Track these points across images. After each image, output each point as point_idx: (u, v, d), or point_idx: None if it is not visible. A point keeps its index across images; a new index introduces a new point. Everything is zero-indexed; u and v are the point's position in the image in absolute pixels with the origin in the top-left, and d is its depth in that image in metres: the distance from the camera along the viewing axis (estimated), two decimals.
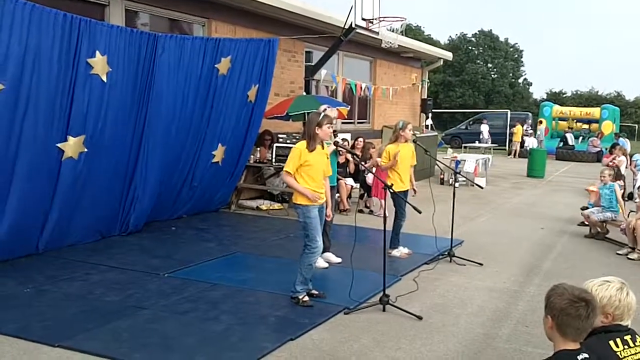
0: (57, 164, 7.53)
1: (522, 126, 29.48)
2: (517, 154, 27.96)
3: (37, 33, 6.85)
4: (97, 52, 7.62)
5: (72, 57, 7.34)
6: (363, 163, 9.74)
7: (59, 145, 7.47)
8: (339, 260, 7.69)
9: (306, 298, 6.09)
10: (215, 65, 9.49)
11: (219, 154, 10.25)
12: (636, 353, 3.03)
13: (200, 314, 5.74)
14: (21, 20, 6.66)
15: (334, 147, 6.98)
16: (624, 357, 2.99)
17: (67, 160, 7.59)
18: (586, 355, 2.76)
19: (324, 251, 7.60)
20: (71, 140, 7.59)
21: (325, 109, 7.06)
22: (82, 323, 5.37)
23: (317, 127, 6.10)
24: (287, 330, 5.40)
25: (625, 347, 3.02)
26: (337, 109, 12.01)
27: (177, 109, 9.06)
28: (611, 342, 3.01)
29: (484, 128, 29.56)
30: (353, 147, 12.75)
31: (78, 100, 7.54)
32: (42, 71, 6.99)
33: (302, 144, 6.11)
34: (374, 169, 11.02)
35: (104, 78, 7.79)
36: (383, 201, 10.15)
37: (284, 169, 6.14)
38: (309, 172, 6.08)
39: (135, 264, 7.40)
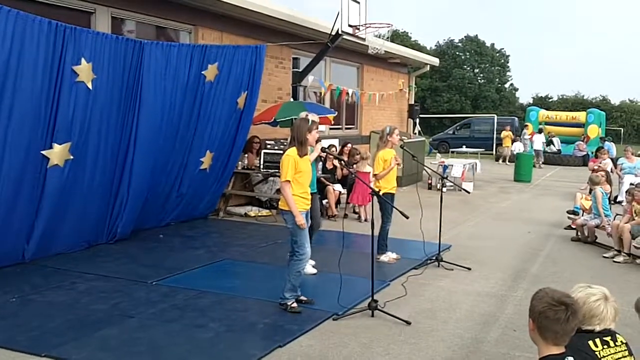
0: (43, 172, 7.49)
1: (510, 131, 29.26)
2: (507, 159, 27.86)
3: (21, 40, 6.81)
4: (83, 59, 7.59)
5: (57, 65, 7.31)
6: (349, 168, 9.79)
7: (44, 152, 7.43)
8: (314, 271, 7.59)
9: (294, 304, 6.08)
10: (202, 72, 9.47)
11: (207, 160, 10.23)
12: (615, 353, 3.07)
13: (188, 321, 5.71)
14: (5, 27, 6.62)
15: (318, 154, 6.95)
16: (603, 356, 3.03)
17: (52, 167, 7.56)
18: (571, 359, 2.78)
19: None
20: (57, 147, 7.55)
21: (307, 115, 7.04)
22: (69, 332, 5.34)
23: (307, 133, 6.10)
24: (276, 337, 5.39)
25: (605, 347, 3.06)
26: (325, 115, 12.09)
27: (164, 116, 9.03)
28: (590, 342, 3.05)
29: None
30: (341, 152, 12.79)
31: (63, 107, 7.51)
32: (26, 78, 6.94)
33: (293, 150, 6.07)
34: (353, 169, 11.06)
35: (90, 85, 7.76)
36: (370, 206, 10.16)
37: (282, 178, 6.03)
38: (299, 179, 6.06)
39: (122, 272, 7.36)
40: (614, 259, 8.85)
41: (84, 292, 6.53)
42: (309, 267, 7.36)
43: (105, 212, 8.66)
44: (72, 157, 7.76)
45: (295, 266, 6.08)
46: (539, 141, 26.50)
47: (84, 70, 7.65)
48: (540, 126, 29.65)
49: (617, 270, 8.30)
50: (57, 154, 7.58)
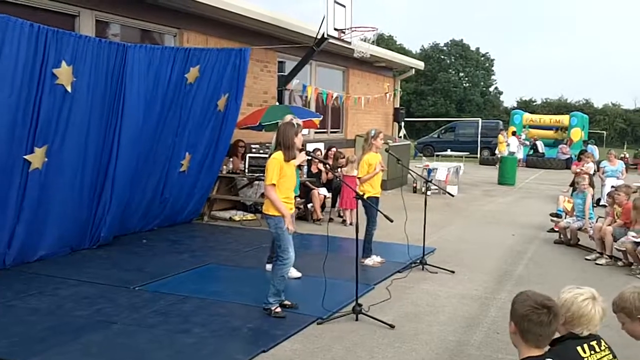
0: (24, 176, 7.42)
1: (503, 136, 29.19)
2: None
3: (0, 43, 6.75)
4: (63, 62, 7.53)
5: (38, 68, 7.24)
6: (334, 172, 9.80)
7: (26, 157, 7.37)
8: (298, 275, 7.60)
9: (278, 309, 6.06)
10: (185, 75, 9.44)
11: (185, 162, 10.19)
12: (602, 358, 3.09)
13: (171, 327, 5.68)
14: None
15: (304, 158, 6.93)
16: None
17: (33, 171, 7.50)
18: None
19: (269, 261, 7.58)
20: (37, 151, 7.49)
21: (292, 119, 7.04)
22: (51, 338, 5.28)
23: (294, 137, 6.09)
24: (260, 341, 5.37)
25: (592, 352, 3.08)
26: (310, 119, 12.10)
27: (147, 120, 8.96)
28: (579, 348, 3.07)
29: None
30: (326, 156, 12.79)
31: (44, 111, 7.45)
32: (6, 81, 6.88)
33: (279, 154, 6.05)
34: (340, 173, 11.06)
35: (69, 88, 7.69)
36: (355, 210, 10.17)
37: (267, 182, 6.00)
38: (283, 183, 6.05)
39: (105, 277, 7.31)
40: (597, 262, 8.91)
41: (67, 297, 6.48)
42: (293, 271, 7.36)
43: (88, 217, 8.59)
44: (46, 159, 7.67)
45: (279, 271, 6.06)
46: (513, 144, 26.61)
47: (64, 73, 7.58)
48: (524, 130, 29.77)
49: (600, 273, 8.36)
50: (38, 157, 7.52)
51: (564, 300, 3.16)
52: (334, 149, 12.90)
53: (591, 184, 11.92)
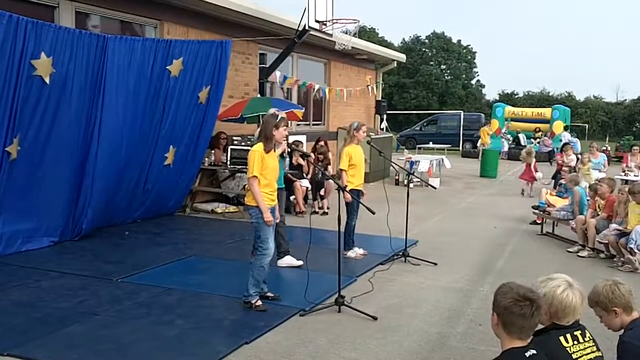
0: (5, 168, 7.37)
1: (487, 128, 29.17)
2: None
3: None
4: (43, 54, 7.46)
5: (17, 60, 7.17)
6: (321, 167, 9.78)
7: (7, 149, 7.30)
8: (299, 263, 7.62)
9: (259, 302, 6.05)
10: (167, 67, 9.38)
11: (170, 156, 10.14)
12: (585, 348, 3.11)
13: (154, 318, 5.68)
14: None
15: (283, 149, 6.92)
16: (574, 352, 3.06)
17: (12, 162, 7.44)
18: (534, 352, 2.81)
19: (284, 255, 7.61)
20: (15, 141, 7.43)
21: (274, 112, 7.04)
22: (33, 330, 5.26)
23: (274, 129, 6.09)
24: (242, 333, 5.38)
25: (575, 342, 3.09)
26: (292, 111, 12.08)
27: (128, 112, 8.91)
28: (561, 338, 3.09)
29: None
30: (314, 149, 12.72)
31: (22, 103, 7.38)
32: None
33: (259, 146, 6.05)
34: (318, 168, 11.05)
35: (47, 79, 7.61)
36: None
37: (250, 174, 6.00)
38: (266, 175, 6.05)
39: (87, 269, 7.27)
40: (579, 254, 8.98)
41: (49, 289, 6.44)
42: (293, 260, 7.51)
43: (69, 209, 8.54)
44: (19, 147, 7.60)
45: (258, 261, 6.06)
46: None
47: (43, 65, 7.51)
48: (506, 124, 29.87)
49: (582, 265, 8.43)
50: (14, 147, 7.46)
51: (543, 296, 3.18)
52: (321, 144, 12.81)
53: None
